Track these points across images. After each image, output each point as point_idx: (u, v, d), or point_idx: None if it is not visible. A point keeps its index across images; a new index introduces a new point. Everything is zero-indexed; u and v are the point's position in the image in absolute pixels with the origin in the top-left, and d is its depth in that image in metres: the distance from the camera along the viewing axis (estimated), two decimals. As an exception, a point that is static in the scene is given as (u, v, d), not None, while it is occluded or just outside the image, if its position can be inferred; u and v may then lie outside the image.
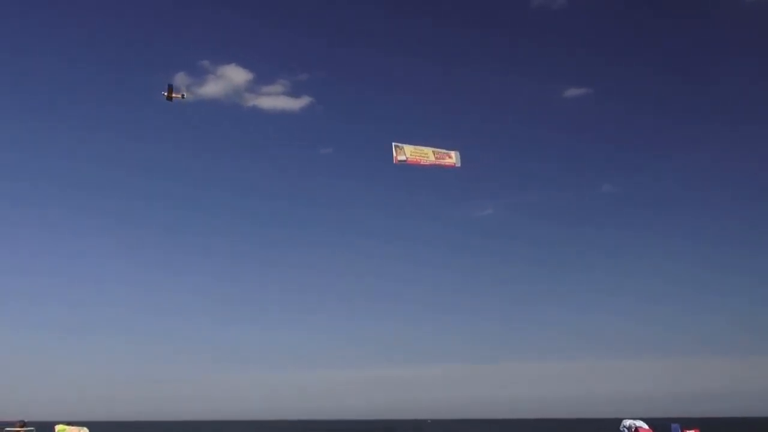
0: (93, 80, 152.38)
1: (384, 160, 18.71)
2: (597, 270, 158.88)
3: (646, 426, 41.07)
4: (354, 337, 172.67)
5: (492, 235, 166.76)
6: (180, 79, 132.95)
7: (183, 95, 18.98)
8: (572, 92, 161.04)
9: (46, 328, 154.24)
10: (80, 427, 19.07)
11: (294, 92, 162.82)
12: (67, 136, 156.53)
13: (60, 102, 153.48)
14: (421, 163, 16.84)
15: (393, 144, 16.56)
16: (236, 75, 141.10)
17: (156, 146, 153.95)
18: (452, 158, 17.34)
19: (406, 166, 16.21)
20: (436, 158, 17.10)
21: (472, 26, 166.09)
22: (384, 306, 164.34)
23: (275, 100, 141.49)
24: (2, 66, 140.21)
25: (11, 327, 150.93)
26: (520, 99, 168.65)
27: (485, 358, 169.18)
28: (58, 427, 18.50)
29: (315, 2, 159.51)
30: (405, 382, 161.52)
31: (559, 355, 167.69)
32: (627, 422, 41.25)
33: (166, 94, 18.94)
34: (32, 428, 17.58)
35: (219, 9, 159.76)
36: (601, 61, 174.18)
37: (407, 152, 16.92)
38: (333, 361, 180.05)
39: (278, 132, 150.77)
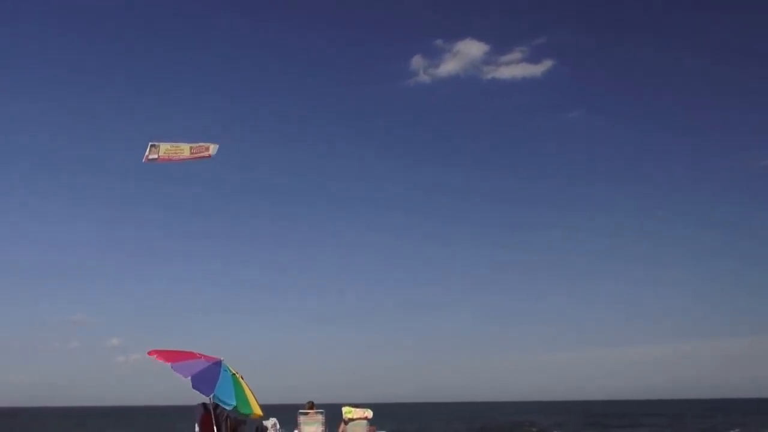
0: (344, 66, 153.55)
1: None
2: None
3: None
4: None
5: None
6: (416, 62, 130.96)
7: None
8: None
9: (329, 314, 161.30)
10: (365, 409, 16.95)
11: (534, 57, 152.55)
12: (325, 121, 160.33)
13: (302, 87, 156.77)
14: (174, 159, 15.47)
15: (149, 144, 15.19)
16: (472, 49, 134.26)
17: (405, 131, 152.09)
18: (209, 150, 15.87)
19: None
20: (193, 152, 15.75)
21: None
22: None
23: (515, 68, 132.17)
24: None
25: (300, 313, 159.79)
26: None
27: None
28: (344, 409, 16.74)
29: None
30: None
31: None
32: None
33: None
34: (322, 410, 17.02)
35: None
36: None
37: (161, 150, 15.32)
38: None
39: (521, 100, 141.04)
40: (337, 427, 16.40)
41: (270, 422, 16.74)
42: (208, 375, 10.18)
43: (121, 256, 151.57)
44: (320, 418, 16.97)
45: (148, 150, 15.28)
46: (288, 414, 18.35)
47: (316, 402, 17.56)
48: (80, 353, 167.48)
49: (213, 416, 10.72)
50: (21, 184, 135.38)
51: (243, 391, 10.63)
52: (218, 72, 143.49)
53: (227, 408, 10.24)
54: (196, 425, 11.07)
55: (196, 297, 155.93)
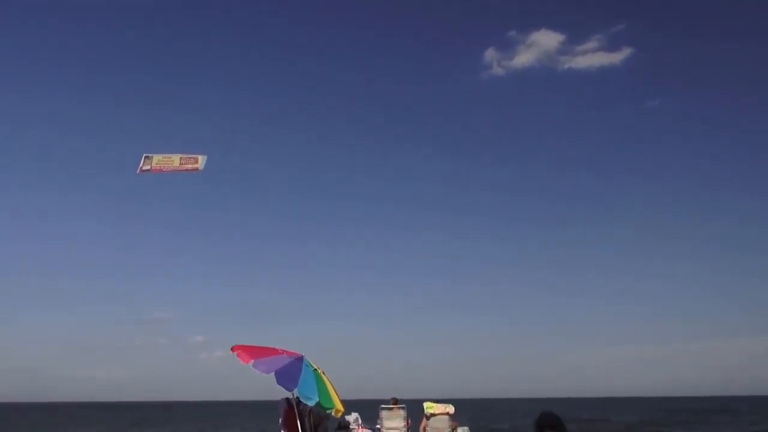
0: (416, 62, 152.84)
1: None
2: None
3: None
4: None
5: None
6: (490, 55, 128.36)
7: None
8: None
9: (410, 309, 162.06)
10: (447, 405, 16.98)
11: (612, 46, 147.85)
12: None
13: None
14: (164, 170, 15.76)
15: (143, 155, 15.55)
16: (547, 39, 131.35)
17: (479, 126, 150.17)
18: (197, 162, 15.99)
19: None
20: (182, 163, 15.96)
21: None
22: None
23: (591, 57, 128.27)
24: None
25: (381, 309, 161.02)
26: None
27: None
28: (426, 404, 16.73)
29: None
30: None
31: None
32: None
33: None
34: (404, 405, 17.33)
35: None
36: None
37: (153, 161, 15.62)
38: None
39: (599, 90, 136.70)
40: (420, 422, 16.28)
41: (352, 417, 16.76)
42: (291, 371, 10.16)
43: (203, 255, 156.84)
44: (402, 413, 16.91)
45: (142, 161, 15.63)
46: (369, 409, 18.38)
47: (398, 398, 17.50)
48: (167, 350, 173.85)
49: (296, 411, 10.72)
50: (110, 189, 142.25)
51: (325, 387, 10.57)
52: (282, 70, 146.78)
53: (310, 403, 10.20)
54: (280, 420, 11.11)
55: (276, 295, 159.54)
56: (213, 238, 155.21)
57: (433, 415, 16.18)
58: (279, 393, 10.69)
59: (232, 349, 10.36)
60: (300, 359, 10.69)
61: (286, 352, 10.82)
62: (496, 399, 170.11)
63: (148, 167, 15.63)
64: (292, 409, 10.77)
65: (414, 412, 17.09)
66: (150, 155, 15.74)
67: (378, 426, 16.98)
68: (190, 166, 16.05)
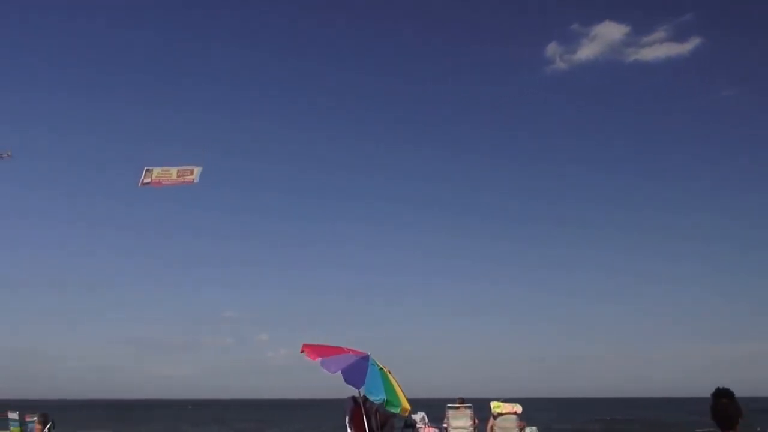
0: (475, 59, 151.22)
1: None
2: None
3: None
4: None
5: None
6: (552, 49, 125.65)
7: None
8: None
9: (476, 306, 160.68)
10: (514, 404, 16.93)
11: (679, 36, 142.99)
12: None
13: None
14: (164, 183, 16.31)
15: (144, 168, 16.16)
16: (612, 31, 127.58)
17: (542, 122, 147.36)
18: (193, 174, 16.53)
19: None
20: (179, 175, 16.46)
21: None
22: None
23: (658, 48, 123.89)
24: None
25: (446, 305, 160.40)
26: None
27: None
28: (493, 404, 16.72)
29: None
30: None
31: None
32: None
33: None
34: (470, 404, 17.11)
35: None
36: None
37: (153, 174, 16.20)
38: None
39: (668, 82, 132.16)
40: (487, 422, 16.19)
41: (418, 416, 16.82)
42: (358, 369, 10.27)
43: (265, 253, 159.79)
44: (469, 412, 16.84)
45: (143, 174, 16.04)
46: (436, 409, 18.37)
47: (464, 397, 17.46)
48: (234, 348, 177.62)
49: (363, 410, 10.81)
50: (181, 192, 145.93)
51: (391, 385, 10.63)
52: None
53: (376, 402, 10.29)
54: (347, 418, 11.22)
55: (341, 292, 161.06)
56: (284, 240, 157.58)
57: (500, 414, 16.07)
58: (346, 391, 10.83)
59: (302, 348, 10.55)
60: (366, 358, 10.78)
61: (353, 350, 10.94)
62: (565, 399, 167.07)
63: (149, 180, 16.13)
64: (359, 407, 10.87)
65: (481, 411, 17.01)
66: (150, 168, 16.19)
67: (444, 425, 16.97)
68: (187, 178, 16.51)
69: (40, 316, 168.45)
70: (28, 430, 18.42)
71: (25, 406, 21.34)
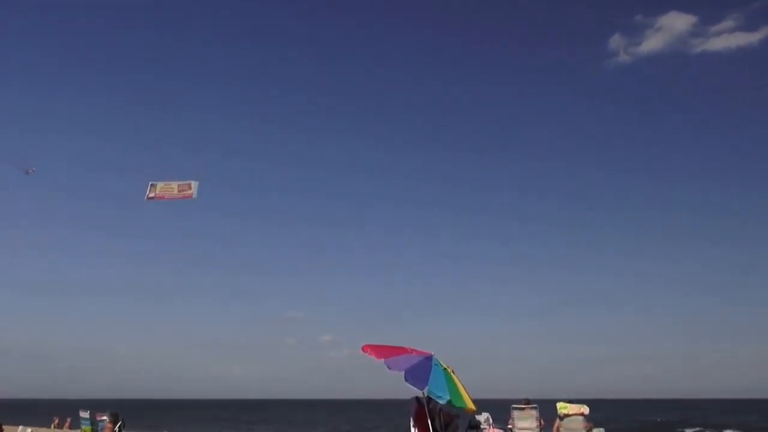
0: (537, 52, 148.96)
1: None
2: None
3: None
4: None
5: None
6: (615, 41, 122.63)
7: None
8: None
9: (540, 308, 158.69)
10: (581, 405, 16.58)
11: (749, 25, 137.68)
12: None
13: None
14: (166, 198, 16.83)
15: (149, 183, 16.86)
16: (677, 22, 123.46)
17: (607, 116, 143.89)
18: (191, 189, 17.04)
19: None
20: (179, 190, 17.02)
21: None
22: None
23: (727, 38, 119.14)
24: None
25: (512, 308, 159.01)
26: None
27: None
28: (559, 405, 16.40)
29: None
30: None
31: None
32: None
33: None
34: (536, 405, 17.21)
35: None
36: None
37: (157, 189, 16.87)
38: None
39: (737, 72, 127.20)
40: (553, 423, 15.86)
41: (483, 417, 16.57)
42: (421, 369, 10.14)
43: (330, 256, 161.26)
44: (534, 413, 16.55)
45: (148, 189, 16.69)
46: (501, 410, 18.11)
47: (530, 398, 17.15)
48: (297, 349, 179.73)
49: (426, 410, 10.68)
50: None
51: (455, 386, 10.48)
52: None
53: (440, 402, 10.14)
54: (411, 419, 11.11)
55: (402, 293, 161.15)
56: (344, 242, 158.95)
57: (566, 415, 15.72)
58: (409, 392, 10.71)
59: (362, 348, 10.47)
60: (429, 358, 10.64)
61: (416, 351, 10.81)
62: (633, 400, 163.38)
63: (153, 195, 16.75)
64: (422, 407, 10.74)
65: (546, 412, 16.67)
66: (155, 183, 16.88)
67: (509, 426, 16.71)
68: (186, 193, 17.07)
69: (116, 319, 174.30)
70: (99, 428, 18.97)
71: (95, 406, 21.94)
